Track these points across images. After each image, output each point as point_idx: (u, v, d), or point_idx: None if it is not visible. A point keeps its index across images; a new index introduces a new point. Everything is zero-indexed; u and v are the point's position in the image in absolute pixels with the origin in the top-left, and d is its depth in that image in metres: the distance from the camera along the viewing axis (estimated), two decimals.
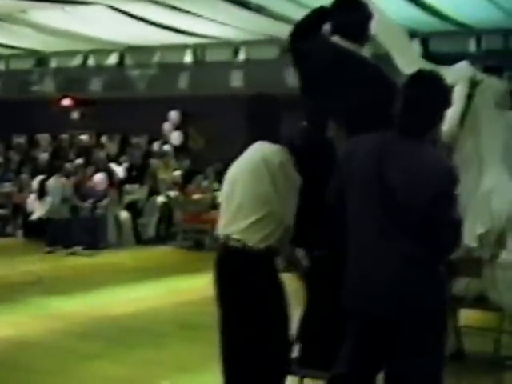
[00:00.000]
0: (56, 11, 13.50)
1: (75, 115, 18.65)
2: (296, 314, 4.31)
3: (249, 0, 12.63)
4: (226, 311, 4.24)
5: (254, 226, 4.11)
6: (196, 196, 13.85)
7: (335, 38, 4.26)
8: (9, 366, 6.24)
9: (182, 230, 13.84)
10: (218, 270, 4.31)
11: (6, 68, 19.42)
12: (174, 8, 12.79)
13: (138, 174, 14.95)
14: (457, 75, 5.40)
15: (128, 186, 14.53)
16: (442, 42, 12.16)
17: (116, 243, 13.36)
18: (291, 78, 14.78)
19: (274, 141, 4.28)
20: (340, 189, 3.69)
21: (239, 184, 4.21)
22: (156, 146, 16.93)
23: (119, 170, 15.16)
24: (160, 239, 14.00)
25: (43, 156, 17.15)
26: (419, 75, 3.60)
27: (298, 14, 4.64)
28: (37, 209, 13.84)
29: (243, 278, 4.15)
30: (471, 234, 5.18)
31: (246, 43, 15.87)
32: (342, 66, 4.20)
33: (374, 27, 4.43)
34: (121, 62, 17.67)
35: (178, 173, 15.30)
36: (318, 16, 4.37)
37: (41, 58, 18.64)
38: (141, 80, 17.25)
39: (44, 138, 18.83)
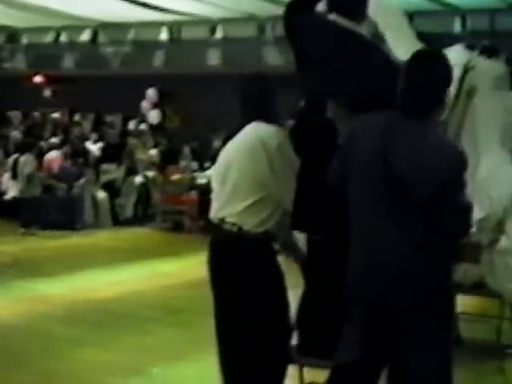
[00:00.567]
0: None
1: (47, 92, 18.39)
2: (293, 301, 4.21)
3: None
4: (221, 297, 4.12)
5: (251, 209, 4.00)
6: (175, 176, 13.66)
7: (333, 16, 4.15)
8: None
9: (160, 211, 13.66)
10: (213, 254, 4.19)
11: None
12: None
13: (114, 153, 14.71)
14: (453, 59, 5.29)
15: (105, 166, 14.30)
16: (426, 21, 12.08)
17: (93, 224, 13.14)
18: (270, 57, 14.69)
19: (271, 121, 4.15)
20: (341, 172, 3.58)
21: (235, 165, 4.10)
22: (132, 124, 16.69)
23: (95, 149, 14.89)
24: (137, 220, 13.80)
25: (14, 134, 16.82)
26: (422, 53, 3.53)
27: None
28: (10, 188, 13.54)
29: (239, 263, 4.04)
30: None
31: (223, 21, 15.68)
32: (342, 43, 4.10)
33: (372, 7, 4.31)
34: (94, 39, 17.35)
35: (155, 152, 15.08)
36: None
37: (12, 34, 18.31)
38: (115, 57, 17.03)
39: (15, 115, 18.48)
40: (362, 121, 3.59)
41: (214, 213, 4.14)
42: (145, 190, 14.02)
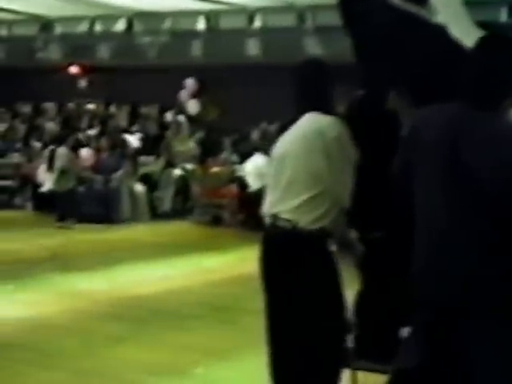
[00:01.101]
0: None
1: (83, 83, 18.23)
2: (349, 301, 4.03)
3: None
4: (275, 297, 3.93)
5: (306, 204, 3.83)
6: (215, 169, 13.47)
7: (396, 0, 3.90)
8: (28, 349, 5.89)
9: (199, 205, 13.44)
10: (265, 252, 4.00)
11: (9, 34, 18.89)
12: None
13: (152, 145, 14.54)
14: None
15: (143, 158, 14.14)
16: (472, 10, 11.78)
17: (130, 217, 12.98)
18: (310, 47, 14.41)
19: (328, 112, 3.91)
20: (405, 165, 3.32)
21: (290, 159, 3.91)
22: (169, 116, 16.48)
23: (133, 140, 14.72)
24: (176, 213, 13.61)
25: (49, 125, 16.72)
26: (491, 39, 3.24)
27: None
28: (46, 180, 13.41)
29: (294, 261, 3.86)
30: None
31: (262, 10, 15.44)
32: (405, 29, 3.86)
33: None
34: (129, 29, 17.19)
35: (192, 144, 14.88)
36: None
37: (45, 24, 18.19)
38: (151, 47, 16.85)
39: (50, 106, 18.38)
40: (427, 111, 3.34)
41: (268, 208, 3.97)
42: (183, 182, 13.83)
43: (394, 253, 3.68)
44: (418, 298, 3.27)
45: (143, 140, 14.93)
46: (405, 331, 3.43)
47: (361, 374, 4.08)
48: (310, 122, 3.90)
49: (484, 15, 12.14)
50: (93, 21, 17.52)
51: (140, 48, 17.02)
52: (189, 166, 14.09)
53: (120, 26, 17.31)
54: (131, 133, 15.30)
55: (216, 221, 13.08)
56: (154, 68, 16.27)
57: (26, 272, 8.63)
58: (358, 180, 3.86)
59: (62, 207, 12.40)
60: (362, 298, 4.32)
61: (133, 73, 16.40)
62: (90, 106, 17.94)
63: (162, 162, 14.05)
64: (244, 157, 13.13)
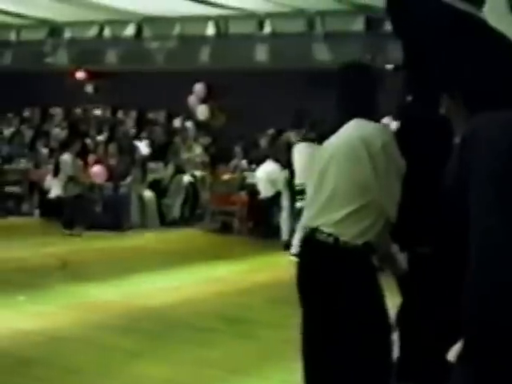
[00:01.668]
0: None
1: (89, 88, 18.00)
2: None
3: None
4: (314, 315, 3.73)
5: (350, 217, 3.60)
6: (226, 176, 13.23)
7: None
8: (45, 365, 5.62)
9: (209, 212, 13.23)
10: (303, 268, 3.80)
11: (17, 38, 18.61)
12: None
13: (161, 151, 14.29)
14: None
15: (152, 164, 13.90)
16: None
17: (139, 224, 12.78)
18: (320, 53, 14.21)
19: (374, 118, 3.67)
20: (460, 176, 3.06)
21: (333, 168, 3.69)
22: (177, 122, 16.24)
23: (142, 147, 14.48)
24: (185, 221, 13.42)
25: (56, 130, 16.47)
26: None
27: None
28: (54, 186, 13.15)
29: (335, 279, 3.63)
30: None
31: (271, 15, 15.21)
32: (460, 30, 3.59)
33: None
34: (138, 34, 16.98)
35: (200, 151, 14.63)
36: None
37: (54, 29, 17.94)
38: (160, 53, 16.65)
39: (57, 111, 18.14)
40: (484, 119, 3.08)
41: (307, 221, 3.74)
42: (192, 189, 13.60)
43: (444, 269, 3.51)
44: (469, 318, 3.04)
45: (151, 146, 14.69)
46: (452, 354, 3.18)
47: None
48: (353, 130, 3.68)
49: None
50: (102, 26, 17.31)
51: (148, 53, 16.83)
52: (198, 173, 13.88)
53: (129, 31, 17.09)
54: (140, 139, 15.06)
55: (226, 228, 12.86)
56: (162, 73, 16.04)
57: (36, 282, 8.37)
58: (406, 191, 3.64)
59: (69, 214, 12.14)
60: (404, 317, 4.10)
61: (140, 78, 16.18)
62: (97, 112, 17.71)
63: (171, 168, 13.83)
64: (255, 164, 12.92)
